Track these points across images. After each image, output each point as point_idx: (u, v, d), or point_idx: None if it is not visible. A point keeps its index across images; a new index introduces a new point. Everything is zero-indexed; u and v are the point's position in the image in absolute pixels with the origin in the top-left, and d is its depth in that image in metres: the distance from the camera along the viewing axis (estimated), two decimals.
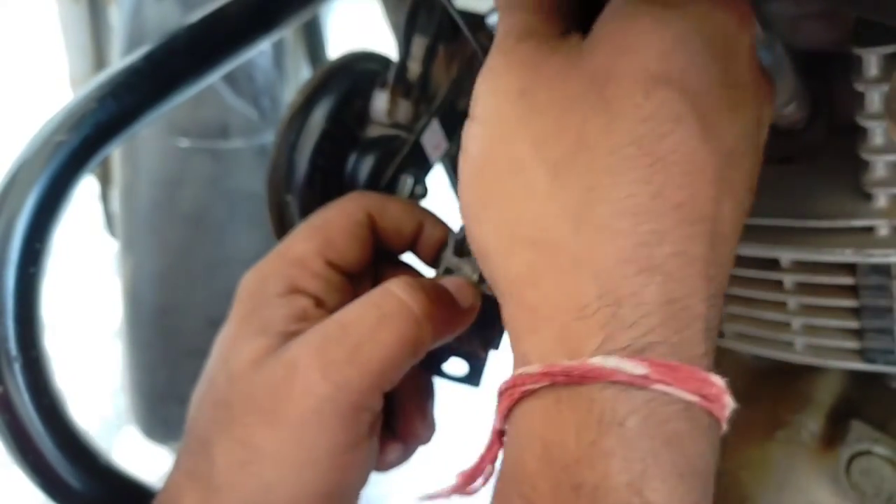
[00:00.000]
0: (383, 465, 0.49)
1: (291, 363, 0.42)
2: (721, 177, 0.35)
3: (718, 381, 0.34)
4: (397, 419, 0.49)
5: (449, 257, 0.48)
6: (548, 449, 0.33)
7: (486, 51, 0.42)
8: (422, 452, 0.51)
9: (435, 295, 0.44)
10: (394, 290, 0.43)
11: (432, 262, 0.51)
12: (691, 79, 0.34)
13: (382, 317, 0.42)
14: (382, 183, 0.56)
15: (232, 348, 0.45)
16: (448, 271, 0.48)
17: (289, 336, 0.44)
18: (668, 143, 0.33)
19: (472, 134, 0.37)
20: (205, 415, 0.45)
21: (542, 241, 0.34)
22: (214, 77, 0.59)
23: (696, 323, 0.34)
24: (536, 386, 0.33)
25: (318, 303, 0.46)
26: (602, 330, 0.33)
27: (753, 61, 0.38)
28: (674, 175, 0.33)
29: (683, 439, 0.33)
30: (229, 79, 1.39)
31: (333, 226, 0.48)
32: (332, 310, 0.45)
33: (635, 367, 0.32)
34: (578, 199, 0.34)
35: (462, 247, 0.47)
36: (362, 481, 0.45)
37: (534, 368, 0.33)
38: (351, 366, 0.41)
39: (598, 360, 0.32)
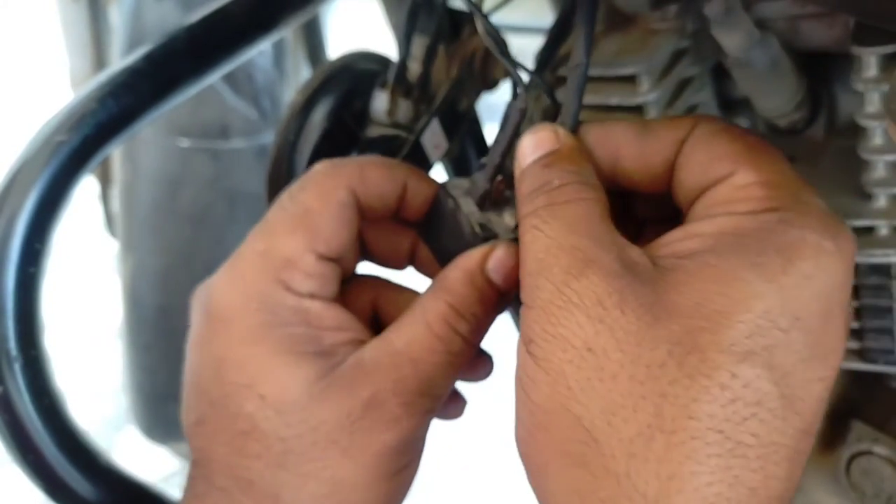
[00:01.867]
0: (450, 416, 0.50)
1: (372, 399, 0.41)
2: (795, 452, 0.33)
3: None
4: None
5: (474, 213, 0.44)
6: None
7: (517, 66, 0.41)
8: None
9: (485, 322, 0.43)
10: (460, 329, 0.42)
11: (423, 220, 0.47)
12: (778, 357, 0.32)
13: (451, 357, 0.42)
14: None
15: (258, 374, 0.42)
16: (483, 228, 0.44)
17: (328, 355, 0.42)
18: (749, 425, 0.31)
19: (536, 380, 0.34)
20: (234, 449, 0.42)
21: None
22: (214, 77, 0.59)
23: None
24: None
25: (315, 298, 0.44)
26: None
27: (846, 310, 0.36)
28: (750, 459, 0.31)
29: None
30: (229, 79, 1.39)
31: (316, 213, 0.43)
32: (329, 301, 0.44)
33: None
34: (657, 489, 0.31)
35: (486, 199, 0.44)
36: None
37: None
38: (426, 398, 0.42)
39: None
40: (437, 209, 0.46)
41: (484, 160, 0.45)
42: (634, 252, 0.35)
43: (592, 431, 0.32)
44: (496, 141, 0.44)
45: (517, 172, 0.40)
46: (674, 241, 0.36)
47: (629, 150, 0.40)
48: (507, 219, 0.44)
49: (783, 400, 0.32)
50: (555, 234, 0.35)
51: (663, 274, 0.34)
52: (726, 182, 0.36)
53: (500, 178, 0.44)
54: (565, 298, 0.33)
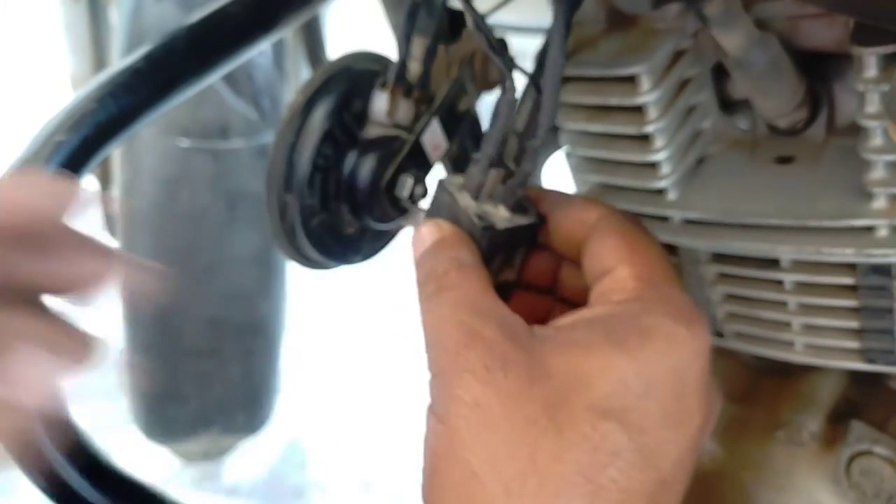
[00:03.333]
0: None
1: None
2: (652, 501, 0.38)
3: None
4: None
5: (470, 206, 0.47)
6: None
7: (511, 67, 0.42)
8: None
9: None
10: None
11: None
12: (632, 417, 0.38)
13: None
14: (382, 183, 0.56)
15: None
16: (481, 218, 0.46)
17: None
18: (608, 472, 0.37)
19: (436, 433, 0.40)
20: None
21: None
22: (214, 77, 0.59)
23: None
24: None
25: None
26: None
27: (701, 388, 0.41)
28: (610, 501, 0.37)
29: None
30: (229, 79, 1.39)
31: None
32: None
33: None
34: None
35: (480, 192, 0.47)
36: None
37: None
38: None
39: None
40: (436, 205, 0.48)
41: (477, 154, 0.46)
42: (514, 320, 0.41)
43: (479, 473, 0.38)
44: (487, 135, 0.46)
45: (414, 264, 0.46)
46: (560, 322, 0.42)
47: (553, 218, 0.47)
48: (503, 210, 0.47)
49: (639, 453, 0.38)
50: (446, 312, 0.42)
51: (541, 342, 0.40)
52: (609, 275, 0.43)
53: (494, 170, 0.46)
54: (458, 365, 0.39)
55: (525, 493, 0.37)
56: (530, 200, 0.48)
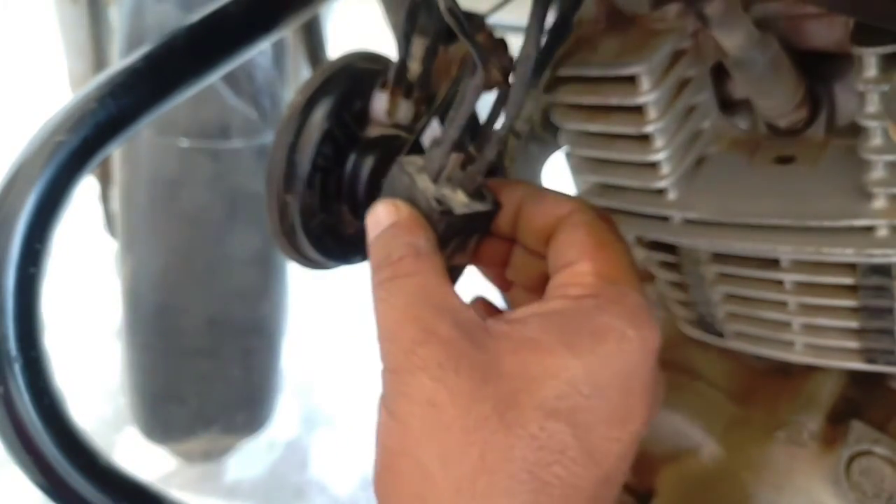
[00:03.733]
0: None
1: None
2: (595, 497, 0.40)
3: None
4: None
5: (429, 188, 0.47)
6: None
7: (480, 52, 0.42)
8: None
9: None
10: None
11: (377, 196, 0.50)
12: (580, 417, 0.40)
13: None
14: (382, 183, 0.56)
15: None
16: (439, 202, 0.47)
17: None
18: (554, 469, 0.39)
19: (389, 428, 0.41)
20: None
21: None
22: (214, 77, 0.59)
23: None
24: None
25: None
26: None
27: (647, 387, 0.43)
28: (554, 497, 0.39)
29: None
30: (229, 79, 1.39)
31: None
32: None
33: None
34: None
35: (440, 175, 0.47)
36: None
37: None
38: None
39: None
40: (392, 185, 0.48)
41: (438, 137, 0.46)
42: (469, 314, 0.42)
43: (430, 472, 0.39)
44: (450, 119, 0.47)
45: (368, 245, 0.46)
46: (515, 316, 0.43)
47: (525, 211, 0.48)
48: (461, 195, 0.47)
49: (583, 451, 0.39)
50: (400, 305, 0.42)
51: (496, 340, 0.41)
52: (570, 268, 0.44)
53: (455, 154, 0.47)
54: (412, 363, 0.40)
55: (476, 491, 0.38)
56: (488, 188, 0.48)
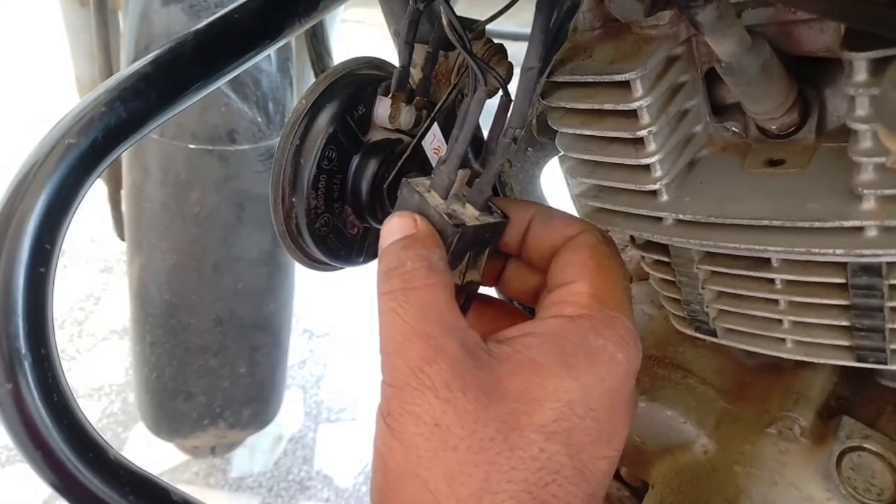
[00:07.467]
0: None
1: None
2: None
3: None
4: None
5: (440, 205, 0.47)
6: None
7: (480, 66, 0.43)
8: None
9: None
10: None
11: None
12: (574, 438, 0.41)
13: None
14: (385, 185, 0.56)
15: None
16: (451, 217, 0.47)
17: None
18: (551, 488, 0.40)
19: (392, 448, 0.41)
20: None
21: None
22: (221, 82, 0.60)
23: None
24: None
25: None
26: None
27: (628, 404, 0.45)
28: None
29: None
30: (235, 84, 1.40)
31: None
32: None
33: None
34: None
35: (447, 188, 0.48)
36: None
37: None
38: None
39: None
40: (404, 204, 0.49)
41: (443, 155, 0.47)
42: (474, 337, 0.43)
43: (435, 493, 0.39)
44: (455, 135, 0.47)
45: (380, 252, 0.46)
46: (513, 335, 0.44)
47: (535, 228, 0.49)
48: (471, 209, 0.48)
49: (576, 470, 0.41)
50: (411, 320, 0.42)
51: (499, 362, 0.42)
52: (568, 286, 0.45)
53: (461, 171, 0.47)
54: (419, 381, 0.40)
55: None
56: (493, 201, 0.49)
